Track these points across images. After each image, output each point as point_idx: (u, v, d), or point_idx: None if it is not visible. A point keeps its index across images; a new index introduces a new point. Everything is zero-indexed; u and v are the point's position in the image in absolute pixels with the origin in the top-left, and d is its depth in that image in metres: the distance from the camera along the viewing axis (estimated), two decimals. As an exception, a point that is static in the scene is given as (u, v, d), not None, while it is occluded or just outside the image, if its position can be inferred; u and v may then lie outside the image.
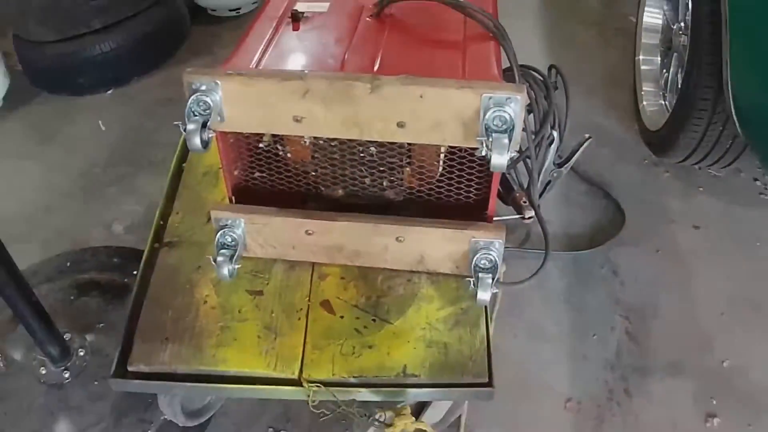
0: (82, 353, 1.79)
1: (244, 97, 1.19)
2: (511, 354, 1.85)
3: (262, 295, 1.42)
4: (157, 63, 3.05)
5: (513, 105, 1.12)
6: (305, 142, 1.33)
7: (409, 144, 1.29)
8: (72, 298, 1.99)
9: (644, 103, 2.55)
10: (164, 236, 1.57)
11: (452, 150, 1.29)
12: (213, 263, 1.37)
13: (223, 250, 1.38)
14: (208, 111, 1.20)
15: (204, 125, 1.19)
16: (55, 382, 1.74)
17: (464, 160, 1.30)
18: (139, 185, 2.45)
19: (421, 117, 1.16)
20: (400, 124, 1.17)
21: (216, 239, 1.39)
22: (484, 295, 1.30)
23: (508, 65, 1.40)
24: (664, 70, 2.51)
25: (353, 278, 1.43)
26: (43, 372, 1.74)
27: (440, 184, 1.36)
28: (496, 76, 1.25)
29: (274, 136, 1.34)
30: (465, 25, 1.42)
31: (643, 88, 2.57)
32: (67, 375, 1.74)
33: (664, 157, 2.36)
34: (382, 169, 1.34)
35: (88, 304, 1.97)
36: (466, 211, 1.38)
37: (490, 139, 1.11)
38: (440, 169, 1.35)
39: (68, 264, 2.10)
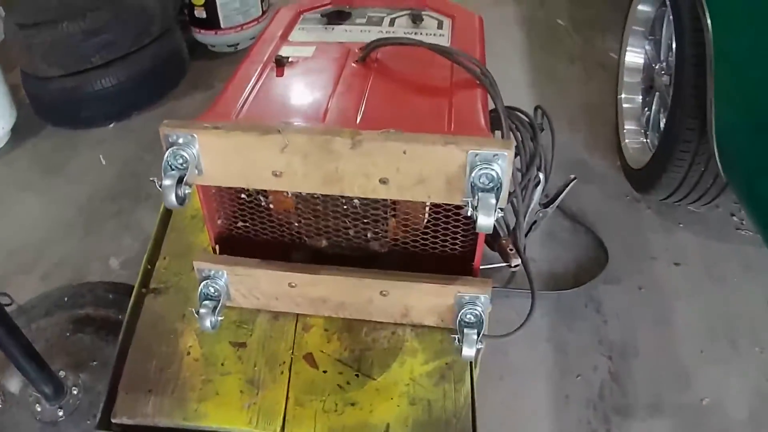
0: (75, 391, 1.67)
1: (222, 150, 1.06)
2: (495, 396, 1.71)
3: (245, 347, 1.28)
4: (158, 97, 2.91)
5: (500, 162, 0.99)
6: (287, 193, 1.19)
7: (393, 197, 1.16)
8: (68, 334, 1.87)
9: (626, 140, 2.42)
10: (151, 281, 1.43)
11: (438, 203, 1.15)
12: (195, 315, 1.23)
13: (206, 302, 1.24)
14: (185, 165, 1.07)
15: (180, 180, 1.05)
16: (49, 420, 1.62)
17: (450, 213, 1.16)
18: (137, 219, 2.31)
19: (404, 173, 1.03)
20: (383, 181, 1.03)
21: (199, 290, 1.26)
22: (469, 351, 1.17)
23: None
24: (646, 109, 2.38)
25: (337, 330, 1.29)
26: (39, 409, 1.62)
27: (425, 236, 1.22)
28: (483, 128, 1.12)
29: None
30: (452, 71, 1.29)
31: (626, 126, 2.44)
32: (61, 413, 1.62)
33: (647, 194, 2.23)
34: (366, 221, 1.20)
35: (83, 341, 1.86)
36: (452, 262, 1.24)
37: (477, 198, 0.97)
38: (425, 220, 1.21)
39: (65, 299, 1.98)
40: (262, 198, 1.22)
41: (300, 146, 1.02)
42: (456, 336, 1.19)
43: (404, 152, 1.00)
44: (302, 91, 1.24)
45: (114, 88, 2.71)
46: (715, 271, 2.10)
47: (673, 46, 2.01)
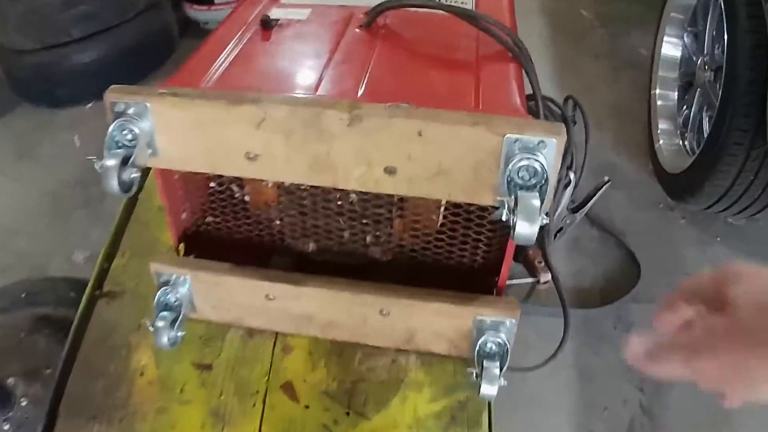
0: (24, 403, 1.49)
1: (182, 124, 0.82)
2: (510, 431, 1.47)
3: (211, 370, 1.05)
4: (141, 77, 2.66)
5: (547, 151, 0.75)
6: (268, 183, 0.95)
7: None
8: (23, 335, 1.69)
9: (660, 142, 2.18)
10: (105, 283, 1.20)
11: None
12: (150, 328, 1.00)
13: (164, 313, 1.01)
14: (134, 142, 0.83)
15: (126, 161, 0.81)
16: (-5, 435, 1.45)
17: (472, 214, 0.93)
18: (107, 210, 2.10)
19: (417, 161, 0.79)
20: (389, 170, 0.80)
21: (156, 298, 1.02)
22: (489, 390, 0.94)
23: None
24: (684, 107, 2.14)
25: (324, 354, 1.05)
26: (-15, 422, 1.44)
27: (439, 242, 0.99)
28: (520, 110, 0.88)
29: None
30: (478, 41, 1.05)
31: (659, 126, 2.20)
32: (7, 427, 1.45)
33: (684, 203, 1.99)
34: (365, 221, 0.97)
35: (38, 344, 1.68)
36: (469, 276, 1.02)
37: (514, 198, 0.74)
38: (440, 222, 0.98)
39: (23, 295, 1.80)
40: (236, 188, 0.99)
41: (281, 121, 0.79)
42: (473, 370, 0.96)
43: (419, 133, 0.77)
44: (291, 59, 1.00)
45: (94, 65, 2.47)
46: (756, 292, 1.86)
47: (725, 36, 1.76)
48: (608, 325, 1.72)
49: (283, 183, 0.95)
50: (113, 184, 0.81)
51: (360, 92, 0.89)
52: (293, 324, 1.04)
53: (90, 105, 2.61)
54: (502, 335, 0.97)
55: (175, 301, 1.02)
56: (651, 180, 2.18)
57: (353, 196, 0.94)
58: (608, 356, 1.67)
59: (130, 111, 0.83)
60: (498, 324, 0.97)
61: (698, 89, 2.05)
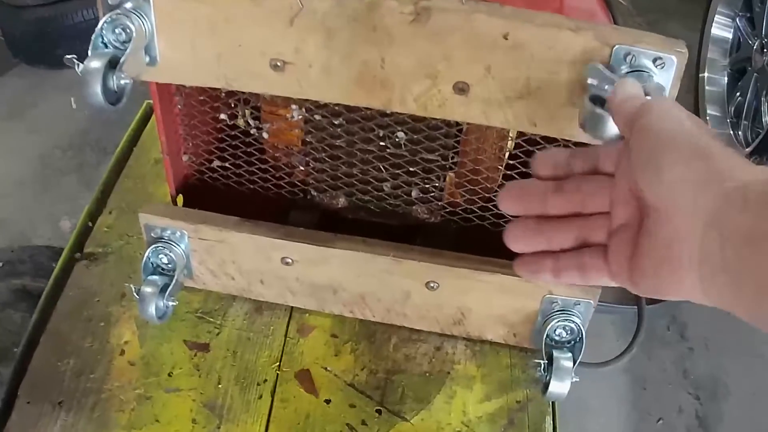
0: None
1: (192, 22, 0.62)
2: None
3: (208, 351, 0.85)
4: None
5: (666, 72, 0.56)
6: (292, 115, 0.75)
7: (458, 128, 0.72)
8: None
9: (710, 130, 1.96)
10: (87, 244, 1.00)
11: (523, 143, 0.72)
12: (135, 296, 0.79)
13: (153, 277, 0.81)
14: (127, 42, 0.63)
15: (114, 65, 0.61)
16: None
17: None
18: (100, 175, 1.88)
19: (498, 77, 0.59)
20: (460, 88, 0.59)
21: (145, 258, 0.81)
22: (559, 388, 0.75)
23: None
24: (738, 94, 1.93)
25: (351, 337, 0.85)
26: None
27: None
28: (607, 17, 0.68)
29: (242, 101, 0.76)
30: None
31: (708, 112, 1.99)
32: None
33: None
34: (412, 169, 0.76)
35: (12, 319, 1.48)
36: None
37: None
38: (501, 175, 0.78)
39: (1, 264, 1.57)
40: (251, 122, 0.78)
41: (323, 14, 0.58)
42: (540, 362, 0.75)
43: (505, 36, 0.56)
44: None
45: (96, 21, 2.25)
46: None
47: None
48: (662, 325, 1.53)
49: (311, 113, 0.74)
50: (96, 91, 0.61)
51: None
52: (314, 298, 0.83)
53: (90, 67, 2.41)
54: (576, 319, 0.78)
55: (168, 263, 0.82)
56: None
57: (400, 133, 0.73)
58: (662, 361, 1.47)
59: (127, 4, 0.63)
60: (571, 305, 0.77)
61: (755, 74, 1.85)
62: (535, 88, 0.59)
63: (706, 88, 2.03)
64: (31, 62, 2.46)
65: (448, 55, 0.58)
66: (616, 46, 0.57)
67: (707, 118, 1.97)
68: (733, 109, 1.95)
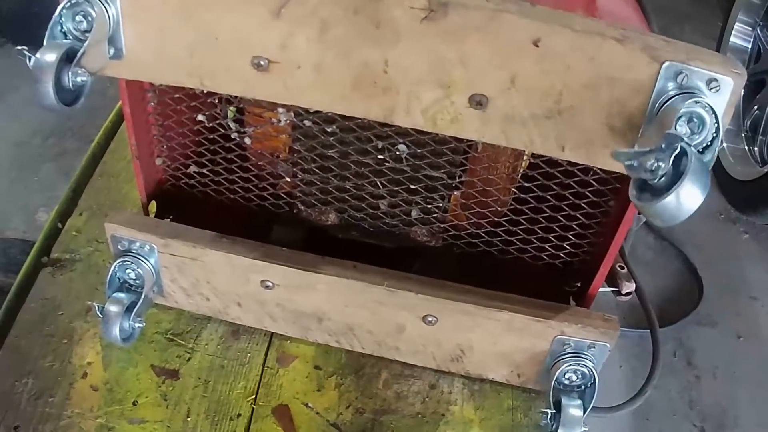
0: None
1: (162, 10, 0.52)
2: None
3: (177, 379, 0.76)
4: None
5: (720, 95, 0.48)
6: (279, 119, 0.66)
7: (469, 143, 0.63)
8: None
9: (724, 144, 1.88)
10: (54, 248, 0.91)
11: (541, 163, 0.63)
12: (98, 315, 0.70)
13: (118, 294, 0.72)
14: (87, 33, 0.54)
15: (71, 59, 0.52)
16: None
17: (564, 185, 0.63)
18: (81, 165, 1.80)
19: (526, 89, 0.49)
20: (477, 101, 0.50)
21: (110, 272, 0.73)
22: None
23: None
24: (755, 108, 1.85)
25: (336, 371, 0.76)
26: None
27: (511, 225, 0.69)
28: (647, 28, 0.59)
29: (223, 101, 0.67)
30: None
31: (723, 126, 1.90)
32: None
33: (753, 216, 1.73)
34: (413, 186, 0.67)
35: None
36: (542, 279, 0.74)
37: (678, 146, 0.45)
38: (512, 197, 0.69)
39: None
40: (233, 125, 0.69)
41: (317, 4, 0.48)
42: (547, 410, 0.67)
43: (535, 43, 0.47)
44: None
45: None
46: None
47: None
48: (668, 351, 1.46)
49: (302, 115, 0.65)
50: (48, 89, 0.52)
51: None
52: (296, 325, 0.74)
53: (77, 50, 2.32)
54: (588, 363, 0.69)
55: (135, 279, 0.74)
56: (710, 186, 1.89)
57: (402, 147, 0.64)
58: (667, 389, 1.40)
59: (89, -15, 0.54)
60: (585, 347, 0.69)
61: (773, 89, 1.77)
62: (567, 106, 0.49)
63: (722, 100, 1.94)
64: (17, 40, 2.36)
65: (466, 60, 0.49)
66: (666, 63, 0.48)
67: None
68: (749, 122, 1.87)
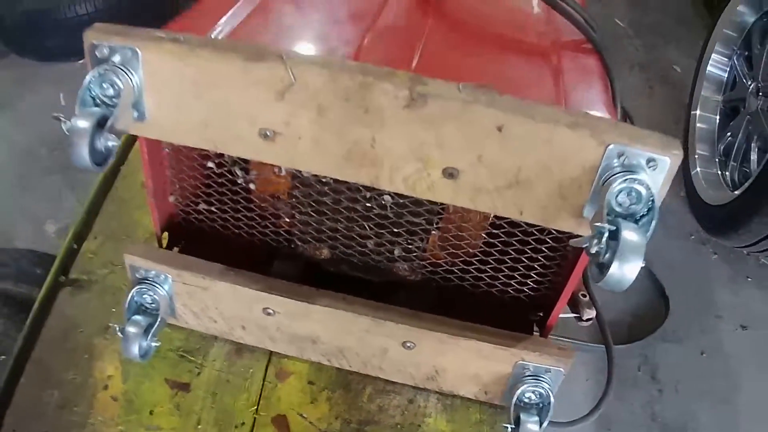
0: None
1: (180, 83, 0.63)
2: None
3: (188, 391, 0.86)
4: (141, 37, 2.42)
5: (656, 172, 0.57)
6: (280, 169, 0.76)
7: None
8: None
9: (698, 169, 1.99)
10: (72, 269, 1.00)
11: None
12: (118, 335, 0.80)
13: (136, 317, 0.81)
14: (115, 100, 0.63)
15: (103, 124, 0.61)
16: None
17: (527, 233, 0.74)
18: (86, 178, 1.86)
19: (489, 165, 0.60)
20: (450, 173, 0.61)
21: (128, 298, 0.82)
22: None
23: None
24: (728, 134, 1.95)
25: (328, 385, 0.87)
26: None
27: (482, 264, 0.80)
28: (612, 111, 0.69)
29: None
30: (547, 25, 0.85)
31: (697, 151, 2.02)
32: None
33: (723, 239, 1.81)
34: (396, 229, 0.77)
35: None
36: (509, 309, 0.84)
37: (606, 230, 0.55)
38: (482, 240, 0.79)
39: None
40: (239, 171, 0.79)
41: (315, 89, 0.59)
42: (508, 426, 0.77)
43: (499, 128, 0.57)
44: (326, 17, 0.80)
45: (89, 18, 2.23)
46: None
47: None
48: (633, 365, 1.54)
49: (300, 173, 0.75)
50: (83, 152, 0.61)
51: (414, 64, 0.70)
52: (294, 345, 0.84)
53: (81, 62, 2.38)
54: (545, 385, 0.80)
55: (151, 303, 0.83)
56: (683, 208, 2.00)
57: (387, 197, 0.75)
58: (631, 402, 1.49)
59: (115, 58, 0.64)
60: (542, 372, 0.79)
61: (747, 116, 1.87)
62: (524, 179, 0.60)
63: (697, 125, 2.04)
64: (22, 53, 2.43)
65: (441, 141, 0.59)
66: (611, 146, 0.58)
67: (695, 157, 1.99)
68: (722, 147, 1.96)
